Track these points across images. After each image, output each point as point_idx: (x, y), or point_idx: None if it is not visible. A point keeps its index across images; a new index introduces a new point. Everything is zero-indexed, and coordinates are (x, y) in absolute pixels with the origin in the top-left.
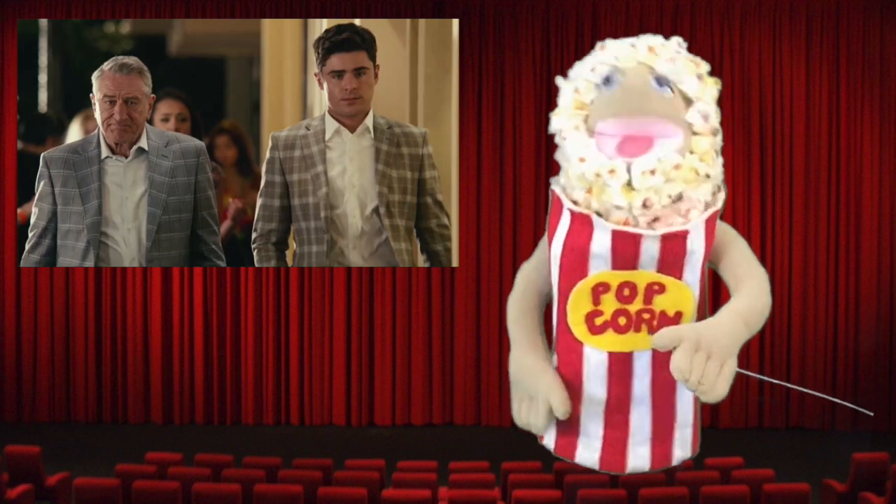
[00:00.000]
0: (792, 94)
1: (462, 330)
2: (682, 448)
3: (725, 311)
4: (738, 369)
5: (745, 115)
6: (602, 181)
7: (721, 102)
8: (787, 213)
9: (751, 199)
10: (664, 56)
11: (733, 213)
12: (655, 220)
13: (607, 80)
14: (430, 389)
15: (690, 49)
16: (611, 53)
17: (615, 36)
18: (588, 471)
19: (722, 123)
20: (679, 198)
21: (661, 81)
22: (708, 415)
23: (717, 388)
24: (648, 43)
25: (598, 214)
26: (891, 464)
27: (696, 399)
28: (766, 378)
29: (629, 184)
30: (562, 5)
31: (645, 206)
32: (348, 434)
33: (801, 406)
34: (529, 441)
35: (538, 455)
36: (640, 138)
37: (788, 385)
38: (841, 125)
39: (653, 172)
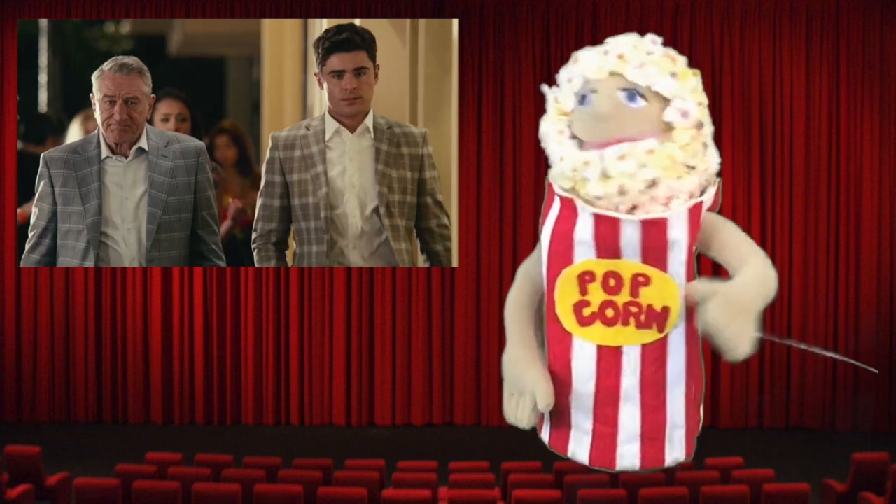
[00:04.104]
0: (792, 94)
1: (462, 330)
2: (676, 449)
3: (744, 275)
4: (766, 335)
5: (745, 115)
6: (580, 174)
7: (721, 101)
8: (787, 213)
9: (751, 199)
10: (634, 62)
11: (733, 213)
12: (634, 207)
13: (582, 99)
14: (430, 389)
15: (690, 49)
16: (582, 66)
17: (615, 35)
18: (584, 469)
19: (721, 122)
20: (654, 183)
21: (632, 94)
22: (708, 415)
23: (742, 345)
24: (619, 50)
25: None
26: (891, 464)
27: (690, 400)
28: (791, 343)
29: (604, 173)
30: (562, 5)
31: (621, 192)
32: (348, 434)
33: (801, 406)
34: (529, 441)
35: (538, 455)
36: (617, 142)
37: (808, 348)
38: (841, 125)
39: (623, 157)
